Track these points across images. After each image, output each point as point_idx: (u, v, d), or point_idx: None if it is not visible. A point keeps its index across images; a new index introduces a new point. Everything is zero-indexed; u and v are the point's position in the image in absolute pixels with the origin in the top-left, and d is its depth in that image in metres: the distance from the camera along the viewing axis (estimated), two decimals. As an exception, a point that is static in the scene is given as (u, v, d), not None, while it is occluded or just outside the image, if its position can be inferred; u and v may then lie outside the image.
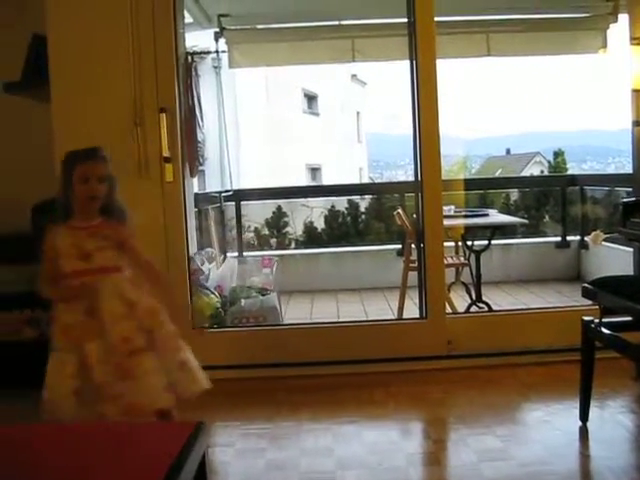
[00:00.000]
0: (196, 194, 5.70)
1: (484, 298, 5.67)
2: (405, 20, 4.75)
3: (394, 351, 4.25)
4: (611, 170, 20.15)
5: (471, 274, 5.80)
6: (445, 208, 4.52)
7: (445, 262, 4.61)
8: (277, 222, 9.33)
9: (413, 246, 5.56)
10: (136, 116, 4.09)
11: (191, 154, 4.97)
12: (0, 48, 4.71)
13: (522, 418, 3.64)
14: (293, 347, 4.29)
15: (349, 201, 9.31)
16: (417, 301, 4.88)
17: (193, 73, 5.23)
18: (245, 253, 7.39)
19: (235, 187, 7.46)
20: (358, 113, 23.70)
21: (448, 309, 4.73)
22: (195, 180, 5.55)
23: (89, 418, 2.53)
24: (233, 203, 7.43)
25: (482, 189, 9.32)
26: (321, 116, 21.24)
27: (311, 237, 9.28)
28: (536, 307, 5.52)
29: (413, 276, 5.41)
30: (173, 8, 4.24)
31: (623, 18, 5.24)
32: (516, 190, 9.74)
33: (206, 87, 6.07)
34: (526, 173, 21.15)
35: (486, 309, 5.51)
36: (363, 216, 9.40)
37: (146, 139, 4.12)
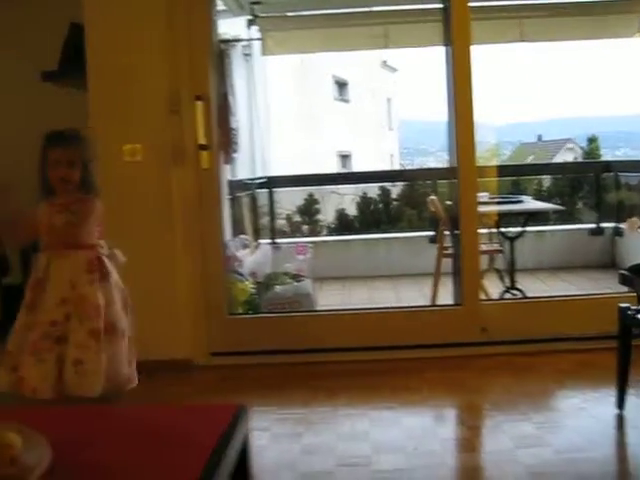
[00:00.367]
0: (229, 181, 5.72)
1: (517, 285, 5.64)
2: (438, 6, 4.74)
3: (428, 337, 4.25)
4: (646, 156, 19.86)
5: (505, 261, 5.77)
6: (479, 195, 4.50)
7: (479, 249, 4.59)
8: (309, 209, 9.35)
9: (446, 233, 5.55)
10: (172, 104, 4.13)
11: (225, 141, 5.00)
12: (38, 37, 4.79)
13: (558, 405, 3.64)
14: (327, 333, 4.31)
15: (381, 188, 9.29)
16: (449, 288, 4.88)
17: (226, 61, 5.25)
18: (277, 240, 7.42)
19: (266, 174, 7.47)
20: (389, 100, 23.57)
21: (482, 296, 4.72)
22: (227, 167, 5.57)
23: None
24: (264, 190, 7.46)
25: (514, 175, 9.24)
26: (351, 103, 21.18)
27: (343, 224, 9.28)
28: (571, 294, 5.47)
29: (446, 263, 5.41)
30: (208, -4, 4.26)
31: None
32: (548, 177, 9.65)
33: (237, 74, 6.08)
34: (558, 160, 20.88)
35: (520, 296, 5.48)
36: (395, 203, 9.38)
37: (182, 127, 4.15)
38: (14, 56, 4.88)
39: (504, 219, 5.88)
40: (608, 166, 8.25)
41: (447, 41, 4.34)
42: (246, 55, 6.90)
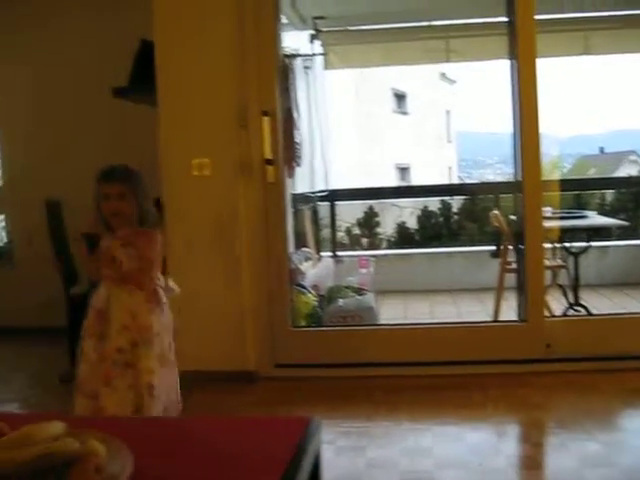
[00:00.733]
0: (292, 194, 5.77)
1: (581, 301, 5.56)
2: (504, 19, 4.71)
3: (491, 353, 4.22)
4: None
5: (568, 277, 5.69)
6: (543, 209, 4.45)
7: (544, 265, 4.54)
8: (369, 222, 9.35)
9: (510, 248, 5.50)
10: (240, 119, 4.19)
11: (289, 155, 5.04)
12: (109, 54, 4.93)
13: (623, 424, 3.58)
14: (389, 347, 4.32)
15: (441, 201, 9.25)
16: (511, 303, 4.84)
17: (290, 75, 5.30)
18: (337, 253, 7.44)
19: (326, 187, 7.50)
20: (448, 112, 23.47)
21: (545, 312, 4.66)
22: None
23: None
24: (325, 203, 7.49)
25: (577, 189, 9.09)
26: (410, 115, 21.14)
27: (403, 237, 9.26)
28: (636, 311, 5.37)
29: (508, 278, 5.36)
30: (275, 11, 4.32)
31: None
32: (611, 190, 9.47)
33: (298, 88, 6.13)
34: (620, 173, 20.49)
35: (584, 312, 5.40)
36: (456, 216, 9.33)
37: (249, 142, 4.22)
38: (86, 72, 5.01)
39: (567, 234, 5.81)
40: (675, 180, 8.08)
41: (512, 54, 4.31)
42: (306, 68, 6.96)
